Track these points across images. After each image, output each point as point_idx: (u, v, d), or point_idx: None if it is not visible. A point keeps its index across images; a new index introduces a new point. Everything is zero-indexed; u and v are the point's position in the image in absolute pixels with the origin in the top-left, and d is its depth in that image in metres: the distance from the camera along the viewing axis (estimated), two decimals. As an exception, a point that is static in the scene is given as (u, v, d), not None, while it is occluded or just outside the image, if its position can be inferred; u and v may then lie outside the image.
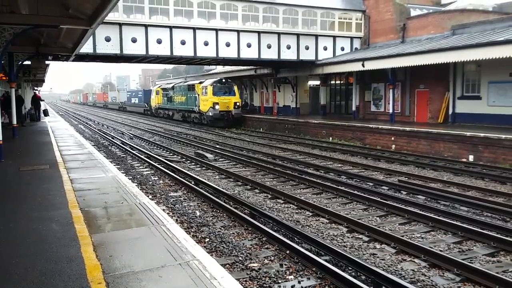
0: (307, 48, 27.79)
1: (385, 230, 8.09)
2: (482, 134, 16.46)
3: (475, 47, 17.57)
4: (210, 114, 32.45)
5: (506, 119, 19.12)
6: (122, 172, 11.97)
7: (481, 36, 19.21)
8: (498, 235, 7.55)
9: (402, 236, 7.76)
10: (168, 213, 8.91)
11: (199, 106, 34.55)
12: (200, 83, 35.42)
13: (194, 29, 24.45)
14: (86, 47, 20.36)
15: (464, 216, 8.87)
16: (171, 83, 49.03)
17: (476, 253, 7.15)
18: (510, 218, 8.94)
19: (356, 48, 29.24)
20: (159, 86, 48.93)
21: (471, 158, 16.60)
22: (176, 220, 8.71)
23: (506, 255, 7.04)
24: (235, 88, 34.06)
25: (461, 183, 12.48)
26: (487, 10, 25.42)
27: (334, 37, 28.61)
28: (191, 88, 36.71)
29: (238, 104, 33.29)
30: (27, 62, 19.43)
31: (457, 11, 24.50)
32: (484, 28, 20.91)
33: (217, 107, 32.05)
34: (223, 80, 34.21)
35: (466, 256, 6.96)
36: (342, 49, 28.96)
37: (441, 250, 7.13)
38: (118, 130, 31.97)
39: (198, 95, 34.40)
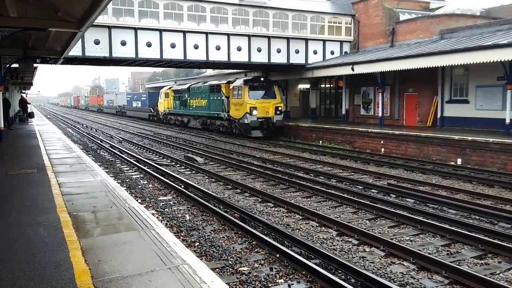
0: (297, 51, 27.91)
1: (375, 233, 8.14)
2: (470, 138, 16.63)
3: (463, 52, 17.79)
4: (246, 121, 25.98)
5: (494, 122, 19.35)
6: (111, 176, 11.90)
7: (469, 41, 19.46)
8: (486, 238, 7.63)
9: (391, 239, 7.80)
10: (157, 217, 8.87)
11: (228, 112, 28.32)
12: (229, 82, 29.16)
13: (184, 32, 24.43)
14: (75, 50, 20.26)
15: (452, 219, 8.94)
16: (185, 83, 42.22)
17: (464, 255, 7.21)
18: (498, 221, 9.04)
19: (345, 52, 29.43)
20: (170, 88, 41.73)
21: (459, 161, 16.76)
22: (166, 224, 8.67)
23: (493, 257, 7.11)
24: (276, 88, 27.67)
25: (449, 186, 12.58)
26: (475, 15, 25.75)
27: (324, 41, 28.78)
28: (216, 89, 30.35)
29: (280, 109, 26.74)
30: (15, 65, 19.24)
31: (445, 15, 24.78)
32: (472, 32, 21.18)
33: (254, 112, 25.68)
34: (261, 79, 27.78)
35: (455, 259, 7.02)
36: (332, 53, 29.13)
37: (429, 253, 7.18)
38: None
39: (227, 97, 28.33)
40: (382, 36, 27.12)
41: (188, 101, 35.16)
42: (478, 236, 7.74)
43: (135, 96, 57.12)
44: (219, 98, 29.59)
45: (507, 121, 17.60)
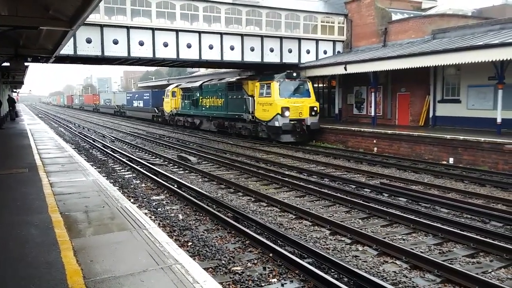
0: (290, 51, 27.92)
1: (367, 232, 8.16)
2: (461, 137, 16.73)
3: (455, 51, 17.89)
4: (277, 124, 22.68)
5: (485, 122, 19.48)
6: (103, 176, 11.83)
7: (460, 41, 19.57)
8: (478, 237, 7.67)
9: (384, 238, 7.83)
10: (150, 217, 8.84)
11: (252, 113, 24.85)
12: (252, 78, 26.26)
13: (176, 31, 24.35)
14: (66, 49, 20.12)
15: (444, 218, 8.99)
16: (195, 80, 37.98)
17: (456, 254, 7.25)
18: (489, 220, 9.10)
19: (338, 52, 29.48)
20: (177, 86, 37.69)
21: (451, 160, 16.86)
22: (159, 224, 8.64)
23: (485, 256, 7.15)
24: (310, 85, 24.40)
25: (441, 185, 12.65)
26: (466, 15, 25.91)
27: (317, 40, 28.81)
28: (236, 86, 27.04)
29: (315, 109, 23.59)
30: (6, 64, 19.09)
31: (437, 15, 24.91)
32: (463, 32, 21.31)
33: (287, 113, 22.56)
34: (294, 74, 24.05)
35: (447, 257, 7.05)
36: (325, 52, 29.17)
37: (422, 252, 7.21)
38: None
39: (251, 96, 25.05)
40: (375, 35, 27.20)
41: (200, 100, 31.72)
42: (470, 235, 7.79)
43: (137, 95, 52.21)
44: (240, 96, 26.22)
45: (499, 120, 17.72)
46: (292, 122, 22.67)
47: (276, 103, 22.81)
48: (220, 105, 28.98)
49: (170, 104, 37.81)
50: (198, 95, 32.26)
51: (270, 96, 23.25)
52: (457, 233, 7.89)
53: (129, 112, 54.16)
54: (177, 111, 36.84)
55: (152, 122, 42.78)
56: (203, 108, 31.50)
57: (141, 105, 48.49)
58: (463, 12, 26.52)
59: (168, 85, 50.37)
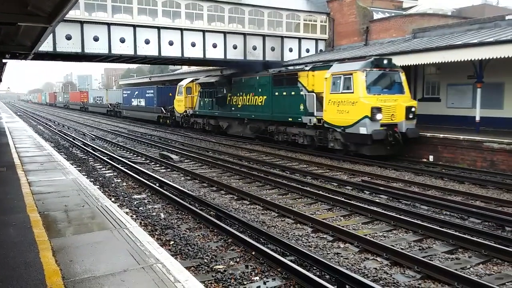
0: (273, 49, 27.96)
1: (349, 229, 8.22)
2: (441, 135, 16.97)
3: (435, 50, 18.11)
4: (363, 131, 16.20)
5: (464, 120, 19.80)
6: (83, 174, 11.70)
7: (440, 40, 19.84)
8: (457, 233, 7.80)
9: (365, 235, 7.90)
10: (131, 216, 8.76)
11: (316, 115, 18.74)
12: (313, 68, 19.68)
13: (158, 28, 24.17)
14: (45, 46, 19.78)
15: (424, 214, 9.12)
16: (218, 74, 31.57)
17: (436, 250, 7.35)
18: (468, 216, 9.25)
19: (321, 50, 29.64)
20: (193, 81, 31.06)
21: (431, 158, 17.09)
22: (140, 223, 8.57)
23: (464, 252, 7.27)
24: (403, 76, 17.54)
25: (421, 183, 12.82)
26: (446, 15, 26.29)
27: (300, 38, 28.91)
28: (289, 79, 20.62)
29: (413, 110, 16.96)
30: (-17, 61, 18.69)
31: (418, 15, 25.22)
32: (443, 32, 21.61)
33: (379, 116, 16.04)
34: (385, 62, 17.23)
35: (426, 254, 7.15)
36: (307, 50, 29.30)
37: (402, 248, 7.29)
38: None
39: (313, 92, 19.00)
40: (357, 34, 27.41)
41: (229, 97, 25.85)
42: (449, 231, 7.90)
43: (136, 92, 43.69)
44: (294, 93, 20.13)
45: (477, 118, 18.01)
46: (383, 128, 16.28)
47: (362, 101, 16.30)
48: (260, 104, 22.91)
49: (183, 103, 31.51)
50: (225, 91, 26.21)
51: (352, 92, 16.69)
52: (436, 230, 8.00)
53: (126, 112, 46.82)
54: (193, 111, 30.56)
55: (159, 125, 37.24)
56: (233, 108, 25.58)
57: (143, 103, 41.22)
58: (443, 12, 26.91)
59: (151, 82, 49.29)
